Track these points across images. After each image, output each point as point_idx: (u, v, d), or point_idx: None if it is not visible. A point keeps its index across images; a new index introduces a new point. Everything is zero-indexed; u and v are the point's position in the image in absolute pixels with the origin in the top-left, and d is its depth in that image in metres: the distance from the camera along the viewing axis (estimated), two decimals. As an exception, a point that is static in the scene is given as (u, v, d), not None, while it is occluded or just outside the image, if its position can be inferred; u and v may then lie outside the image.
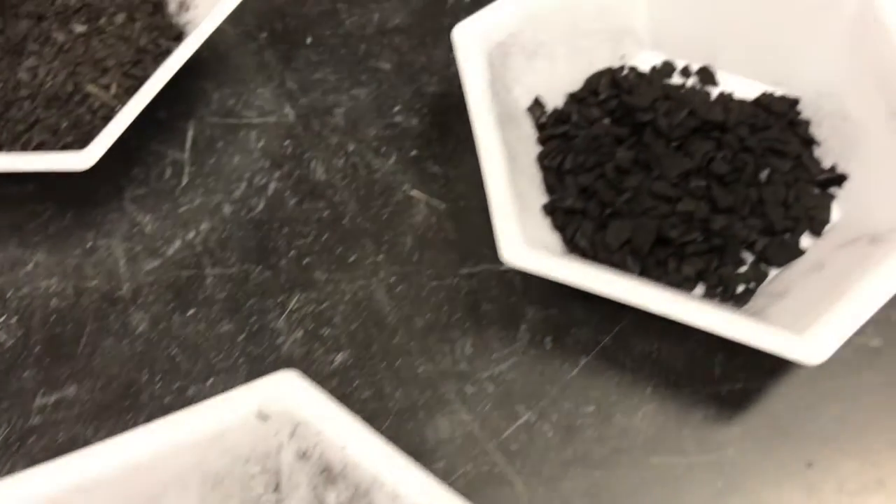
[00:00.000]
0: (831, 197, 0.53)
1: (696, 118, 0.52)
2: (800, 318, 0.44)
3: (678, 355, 0.49)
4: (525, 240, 0.45)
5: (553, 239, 0.50)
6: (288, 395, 0.40)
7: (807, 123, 0.55)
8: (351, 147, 0.55)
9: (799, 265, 0.50)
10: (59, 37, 0.56)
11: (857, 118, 0.53)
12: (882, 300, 0.43)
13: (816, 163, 0.54)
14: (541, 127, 0.54)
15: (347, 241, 0.52)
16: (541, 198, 0.51)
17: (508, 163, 0.48)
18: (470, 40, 0.51)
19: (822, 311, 0.44)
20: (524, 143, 0.52)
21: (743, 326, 0.43)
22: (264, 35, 0.59)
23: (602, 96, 0.55)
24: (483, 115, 0.48)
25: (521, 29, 0.53)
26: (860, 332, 0.42)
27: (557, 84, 0.55)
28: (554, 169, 0.52)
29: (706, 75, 0.58)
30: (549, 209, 0.50)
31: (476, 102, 0.49)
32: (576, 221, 0.50)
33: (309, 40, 0.59)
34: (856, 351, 0.49)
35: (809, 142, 0.54)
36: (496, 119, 0.49)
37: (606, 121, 0.54)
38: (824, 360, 0.42)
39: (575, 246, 0.50)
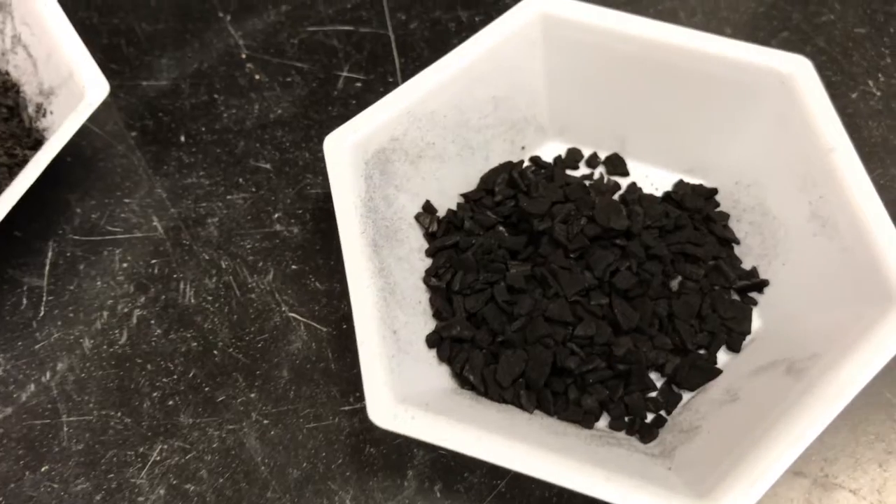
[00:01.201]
0: (752, 303, 0.48)
1: (598, 225, 0.47)
2: (707, 472, 0.40)
3: (580, 500, 0.44)
4: (396, 395, 0.40)
5: (442, 372, 0.45)
6: None
7: (726, 217, 0.50)
8: (224, 263, 0.50)
9: (712, 390, 0.45)
10: None
11: (778, 215, 0.48)
12: (798, 452, 0.39)
13: (735, 265, 0.49)
14: (431, 236, 0.49)
15: (217, 377, 0.47)
16: (429, 324, 0.46)
17: (384, 296, 0.43)
18: (341, 153, 0.46)
19: (731, 467, 0.39)
20: (410, 259, 0.47)
21: (634, 496, 0.38)
22: (134, 135, 0.54)
23: (498, 197, 0.50)
24: (353, 245, 0.43)
25: (404, 132, 0.48)
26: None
27: (450, 186, 0.50)
28: (442, 289, 0.47)
29: (615, 164, 0.52)
30: (434, 341, 0.45)
31: (346, 231, 0.43)
32: (464, 353, 0.45)
33: (182, 138, 0.54)
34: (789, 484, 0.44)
35: (727, 241, 0.49)
36: (371, 245, 0.44)
37: (502, 228, 0.49)
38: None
39: (466, 380, 0.45)
